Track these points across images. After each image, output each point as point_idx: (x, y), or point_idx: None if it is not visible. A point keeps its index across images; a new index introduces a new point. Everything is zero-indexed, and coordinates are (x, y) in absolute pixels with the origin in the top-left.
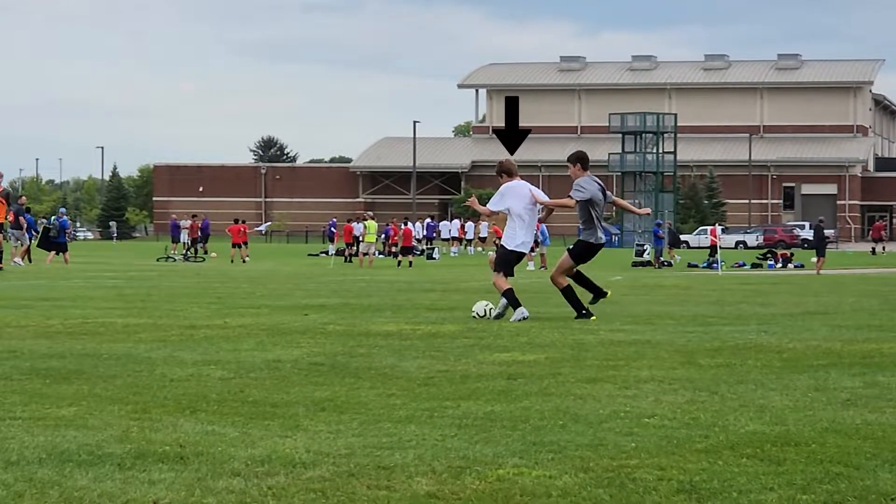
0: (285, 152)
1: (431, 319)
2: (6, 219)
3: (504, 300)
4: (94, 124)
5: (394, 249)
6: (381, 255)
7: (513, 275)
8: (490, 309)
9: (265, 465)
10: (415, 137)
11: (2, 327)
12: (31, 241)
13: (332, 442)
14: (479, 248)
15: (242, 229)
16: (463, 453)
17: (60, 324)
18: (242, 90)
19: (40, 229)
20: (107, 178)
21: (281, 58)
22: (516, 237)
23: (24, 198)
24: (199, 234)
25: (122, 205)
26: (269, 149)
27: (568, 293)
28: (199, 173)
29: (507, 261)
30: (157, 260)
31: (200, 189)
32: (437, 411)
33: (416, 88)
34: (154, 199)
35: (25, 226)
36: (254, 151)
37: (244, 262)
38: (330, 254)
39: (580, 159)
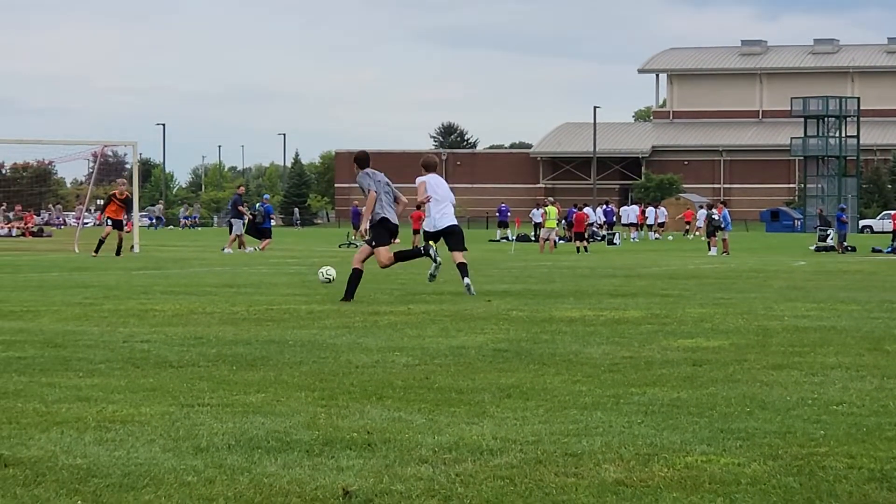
0: (465, 138)
1: (614, 305)
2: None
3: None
4: (276, 111)
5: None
6: (562, 241)
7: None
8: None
9: (452, 451)
10: (595, 123)
11: (188, 314)
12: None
13: (518, 429)
14: (657, 235)
15: (421, 215)
16: (650, 440)
17: (245, 310)
18: (422, 76)
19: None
20: (289, 164)
21: (461, 44)
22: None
23: (242, 188)
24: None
25: (304, 191)
26: (450, 135)
27: None
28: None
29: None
30: (339, 246)
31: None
32: (623, 398)
33: (596, 74)
34: (336, 185)
35: (247, 214)
36: (434, 137)
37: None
38: (510, 239)
39: None
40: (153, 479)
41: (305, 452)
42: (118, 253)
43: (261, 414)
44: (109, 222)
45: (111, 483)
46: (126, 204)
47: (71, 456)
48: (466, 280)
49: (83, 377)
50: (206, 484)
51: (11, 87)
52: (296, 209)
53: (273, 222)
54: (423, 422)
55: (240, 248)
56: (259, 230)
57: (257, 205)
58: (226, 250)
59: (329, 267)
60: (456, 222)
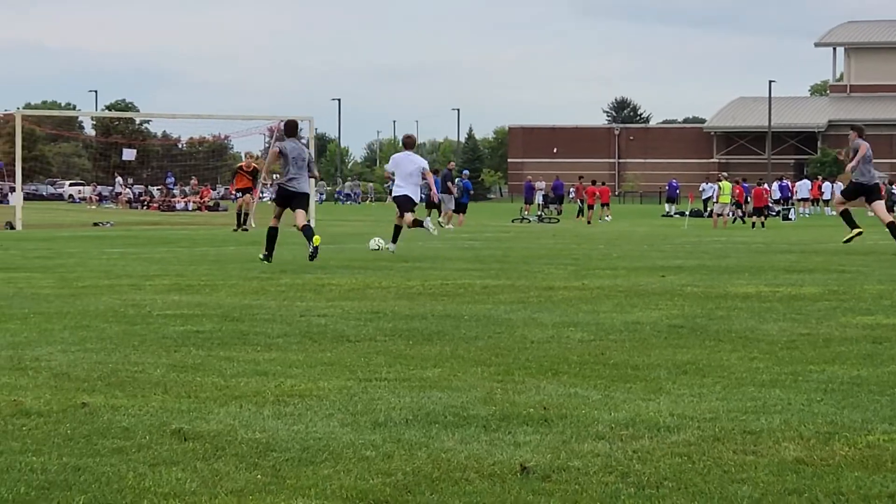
0: (638, 113)
1: (790, 281)
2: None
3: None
4: (450, 86)
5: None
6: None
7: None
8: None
9: (629, 428)
10: (770, 97)
11: (364, 289)
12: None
13: (695, 405)
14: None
15: (597, 192)
16: (830, 418)
17: (420, 285)
18: (595, 51)
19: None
20: (462, 139)
21: (633, 18)
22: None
23: (452, 164)
24: (553, 194)
25: (478, 166)
26: (622, 110)
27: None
28: (552, 135)
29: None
30: (512, 221)
31: (554, 150)
32: (802, 375)
33: (771, 48)
34: (509, 160)
35: (456, 190)
36: (607, 112)
37: (604, 220)
38: (671, 214)
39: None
40: (332, 453)
41: (483, 428)
42: (241, 226)
43: (437, 389)
44: (240, 194)
45: (290, 457)
46: (253, 176)
47: (250, 430)
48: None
49: (261, 351)
50: (384, 459)
51: (186, 62)
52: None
53: (469, 198)
54: (599, 398)
55: (448, 223)
56: (457, 204)
57: (456, 180)
58: (447, 226)
59: (378, 238)
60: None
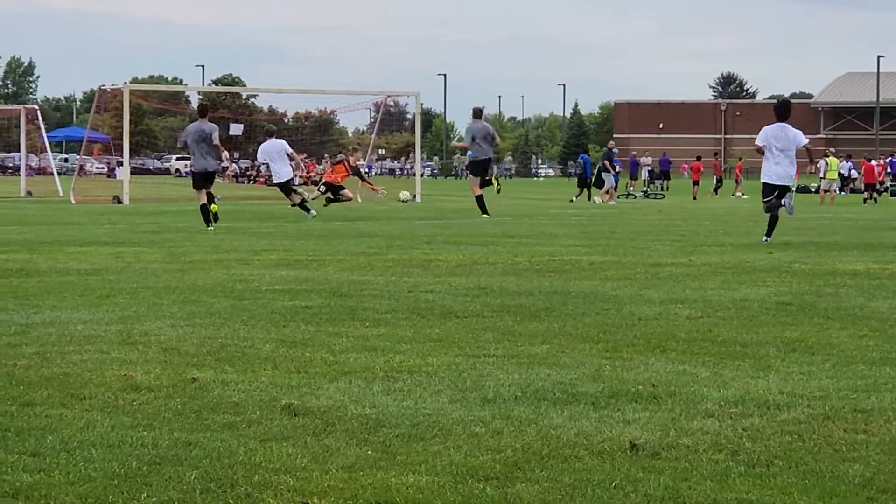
0: (745, 88)
1: None
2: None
3: None
4: (555, 61)
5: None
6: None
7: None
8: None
9: (738, 406)
10: (878, 72)
11: (471, 264)
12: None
13: (805, 384)
14: None
15: (700, 167)
16: None
17: (527, 261)
18: (701, 26)
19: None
20: (568, 115)
21: None
22: None
23: (612, 142)
24: (659, 169)
25: (583, 142)
26: (729, 85)
27: None
28: (658, 110)
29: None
30: (618, 197)
31: (660, 126)
32: None
33: (880, 22)
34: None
35: (615, 168)
36: (713, 88)
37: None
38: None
39: None
40: (441, 429)
41: (591, 405)
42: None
43: (546, 365)
44: (322, 183)
45: (400, 433)
46: (355, 172)
47: (360, 406)
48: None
49: (369, 327)
50: (493, 435)
51: (293, 36)
52: (570, 161)
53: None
54: (708, 375)
55: (610, 200)
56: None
57: (578, 157)
58: (597, 200)
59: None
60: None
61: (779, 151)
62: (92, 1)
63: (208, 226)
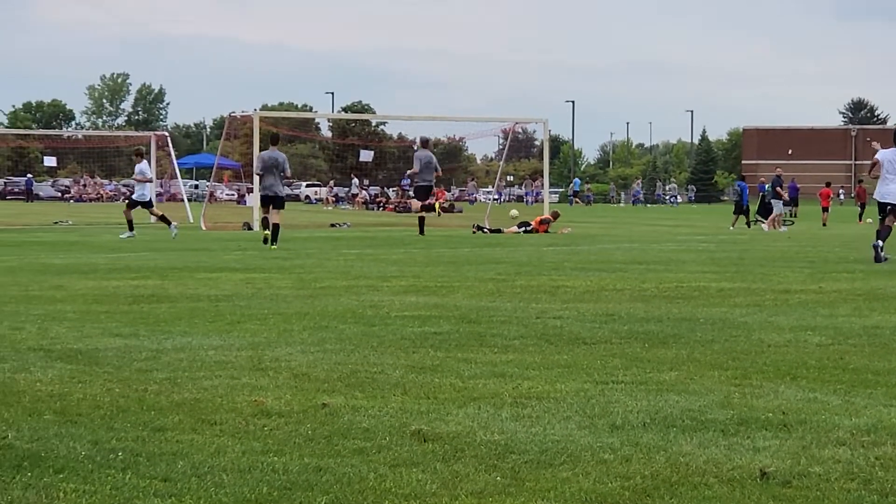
0: (875, 114)
1: None
2: None
3: None
4: (684, 87)
5: None
6: None
7: None
8: None
9: (870, 434)
10: None
11: (599, 291)
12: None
13: None
14: None
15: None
16: None
17: (655, 287)
18: (830, 51)
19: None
20: (696, 141)
21: (868, 16)
22: None
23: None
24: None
25: (711, 168)
26: (859, 110)
27: None
28: (787, 136)
29: None
30: (747, 224)
31: (789, 152)
32: None
33: None
34: (743, 162)
35: (784, 194)
36: (843, 114)
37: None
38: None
39: None
40: (570, 455)
41: (721, 432)
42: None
43: (674, 392)
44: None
45: (529, 459)
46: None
47: (488, 431)
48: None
49: (498, 353)
50: (622, 462)
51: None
52: (691, 186)
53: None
54: (839, 403)
55: (774, 227)
56: (765, 208)
57: (735, 184)
58: (764, 227)
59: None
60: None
61: (890, 174)
62: (222, 28)
63: (266, 243)
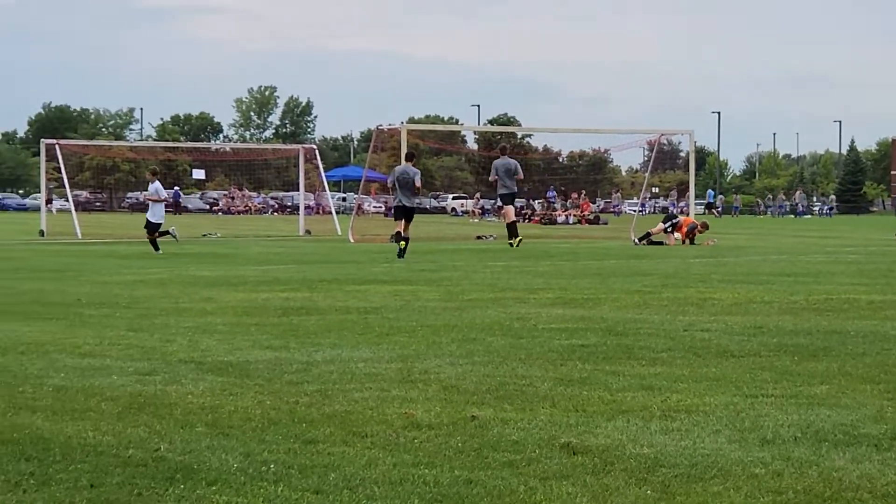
0: None
1: None
2: None
3: None
4: (832, 98)
5: None
6: None
7: None
8: None
9: None
10: None
11: (747, 303)
12: None
13: None
14: None
15: None
16: None
17: (804, 300)
18: None
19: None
20: (844, 152)
21: None
22: None
23: None
24: None
25: (860, 179)
26: None
27: None
28: None
29: None
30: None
31: None
32: None
33: None
34: (892, 172)
35: None
36: None
37: None
38: None
39: None
40: (720, 470)
41: (874, 447)
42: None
43: (826, 406)
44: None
45: (679, 473)
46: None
47: (637, 445)
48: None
49: (646, 366)
50: (773, 476)
51: (567, 74)
52: (831, 196)
53: None
54: None
55: None
56: None
57: None
58: None
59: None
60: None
61: None
62: (370, 41)
63: (400, 256)
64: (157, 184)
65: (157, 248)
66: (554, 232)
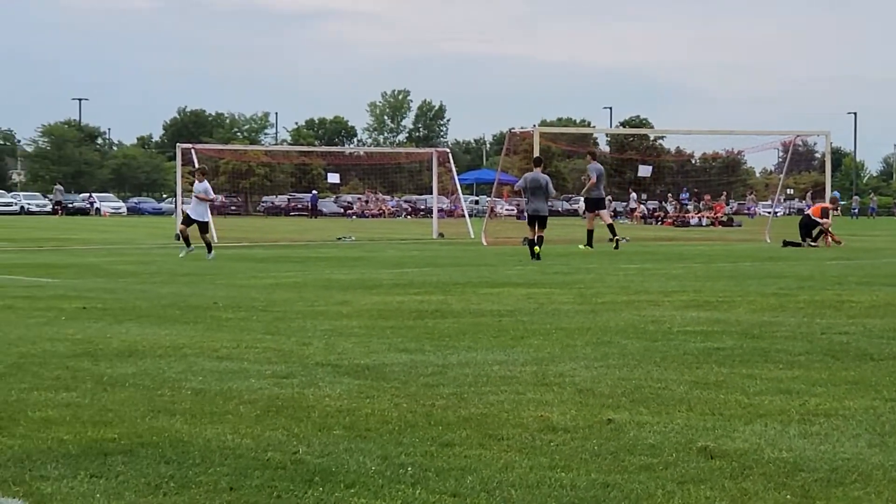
0: None
1: None
2: None
3: None
4: None
5: None
6: None
7: None
8: None
9: None
10: None
11: (885, 305)
12: None
13: None
14: None
15: None
16: None
17: None
18: None
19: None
20: None
21: None
22: None
23: None
24: None
25: None
26: None
27: None
28: None
29: None
30: None
31: None
32: None
33: None
34: None
35: None
36: None
37: None
38: None
39: None
40: (861, 474)
41: None
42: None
43: None
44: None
45: (819, 478)
46: None
47: (776, 449)
48: None
49: (783, 369)
50: None
51: (699, 76)
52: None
53: None
54: None
55: None
56: None
57: None
58: None
59: None
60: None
61: None
62: (502, 45)
63: (534, 258)
64: (206, 184)
65: (188, 244)
66: (688, 234)
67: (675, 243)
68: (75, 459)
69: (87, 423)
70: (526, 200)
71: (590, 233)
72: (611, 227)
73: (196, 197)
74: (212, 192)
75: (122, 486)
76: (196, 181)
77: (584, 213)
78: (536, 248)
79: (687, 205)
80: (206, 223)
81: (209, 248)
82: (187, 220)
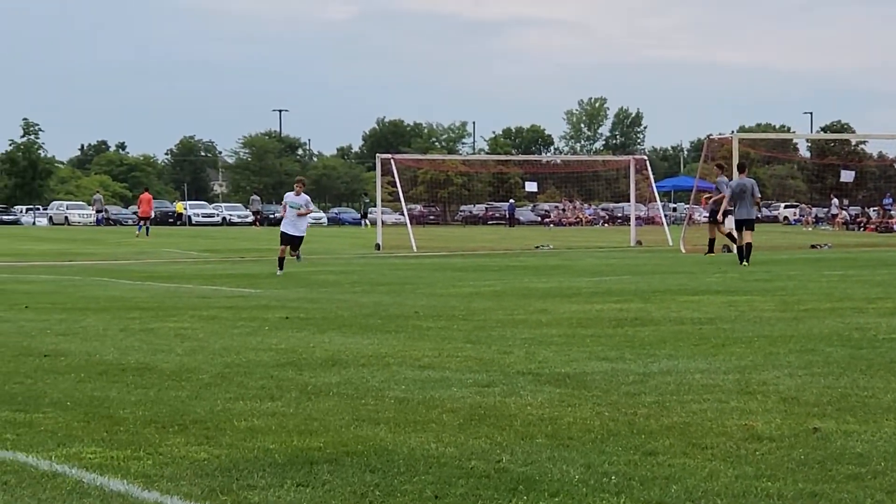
0: None
1: None
2: None
3: None
4: None
5: None
6: None
7: None
8: None
9: None
10: None
11: None
12: None
13: None
14: None
15: None
16: None
17: None
18: None
19: None
20: None
21: None
22: None
23: None
24: None
25: None
26: None
27: None
28: None
29: None
30: None
31: None
32: None
33: None
34: None
35: None
36: None
37: None
38: None
39: None
40: None
41: None
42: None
43: None
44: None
45: None
46: None
47: None
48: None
49: None
50: None
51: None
52: None
53: None
54: None
55: None
56: None
57: None
58: None
59: None
60: None
61: None
62: (698, 50)
63: (741, 262)
64: (305, 196)
65: (280, 267)
66: (891, 240)
67: (879, 249)
68: (282, 468)
69: (293, 432)
70: (735, 208)
71: (711, 241)
72: (715, 240)
73: (297, 213)
74: (312, 205)
75: (329, 494)
76: (293, 193)
77: (722, 219)
78: (745, 263)
79: (890, 210)
80: (302, 238)
81: (281, 264)
82: (287, 240)
